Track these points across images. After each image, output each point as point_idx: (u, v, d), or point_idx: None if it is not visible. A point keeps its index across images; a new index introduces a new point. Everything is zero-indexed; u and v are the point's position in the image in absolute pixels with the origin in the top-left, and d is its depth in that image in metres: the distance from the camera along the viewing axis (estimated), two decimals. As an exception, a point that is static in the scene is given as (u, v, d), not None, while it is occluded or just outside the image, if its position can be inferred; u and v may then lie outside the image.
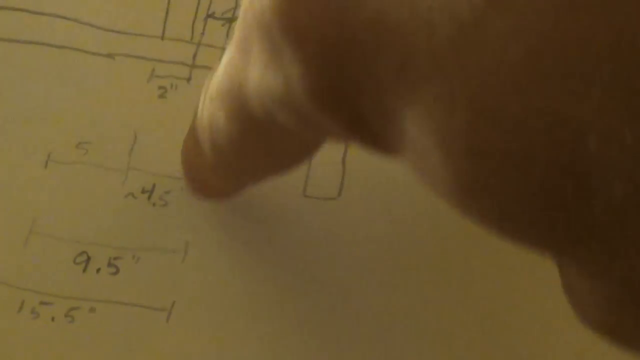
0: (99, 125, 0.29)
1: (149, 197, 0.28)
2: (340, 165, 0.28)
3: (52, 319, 0.27)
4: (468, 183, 0.14)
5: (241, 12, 0.18)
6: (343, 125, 0.16)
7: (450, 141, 0.14)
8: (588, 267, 0.15)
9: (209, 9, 0.31)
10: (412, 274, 0.28)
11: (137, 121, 0.29)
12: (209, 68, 0.28)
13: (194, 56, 0.30)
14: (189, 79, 0.30)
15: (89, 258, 0.27)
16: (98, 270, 0.27)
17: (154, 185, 0.28)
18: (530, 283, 0.27)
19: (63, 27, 0.30)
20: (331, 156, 0.28)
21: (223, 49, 0.28)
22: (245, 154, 0.22)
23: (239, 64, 0.19)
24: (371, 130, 0.16)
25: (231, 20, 0.31)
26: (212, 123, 0.22)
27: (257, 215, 0.28)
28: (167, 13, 0.31)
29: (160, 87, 0.30)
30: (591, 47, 0.12)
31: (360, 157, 0.28)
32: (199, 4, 0.31)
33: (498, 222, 0.15)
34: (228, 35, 0.30)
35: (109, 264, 0.27)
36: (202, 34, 0.30)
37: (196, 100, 0.27)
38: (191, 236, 0.28)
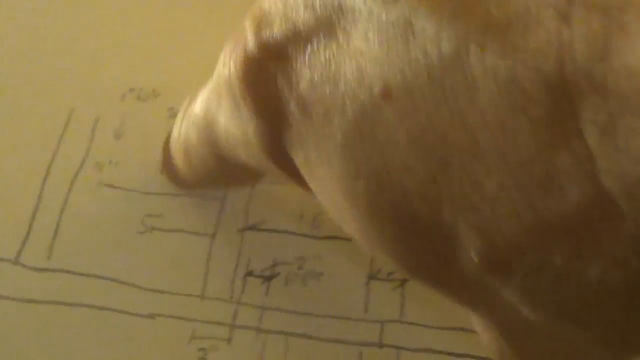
0: (138, 389, 0.29)
1: None
2: None
3: None
4: (366, 229, 0.18)
5: (218, 64, 0.21)
6: (284, 173, 0.21)
7: (352, 197, 0.18)
8: (470, 310, 0.19)
9: (247, 266, 0.31)
10: None
11: (178, 385, 0.29)
12: (250, 328, 0.28)
13: (234, 316, 0.30)
14: (229, 340, 0.30)
15: None
16: None
17: None
18: None
19: (104, 287, 0.31)
20: None
21: (263, 308, 0.29)
22: (209, 170, 0.27)
23: (212, 105, 0.23)
24: (301, 177, 0.20)
25: (270, 277, 0.31)
26: (186, 141, 0.26)
27: None
28: (206, 271, 0.31)
29: (200, 349, 0.29)
30: (448, 137, 0.16)
31: None
32: (237, 262, 0.31)
33: (393, 262, 0.18)
34: (268, 292, 0.30)
35: None
36: (242, 292, 0.30)
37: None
38: None
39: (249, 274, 0.31)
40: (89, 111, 0.34)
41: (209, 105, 0.23)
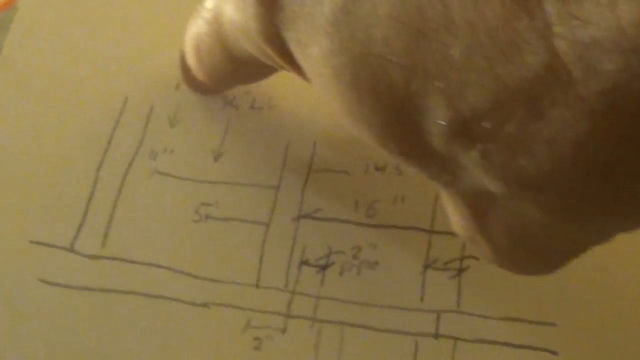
0: (193, 377, 0.29)
1: None
2: None
3: None
4: (351, 104, 0.19)
5: None
6: (279, 55, 0.22)
7: (338, 72, 0.19)
8: (445, 190, 0.21)
9: (302, 255, 0.31)
10: None
11: (233, 374, 0.29)
12: (305, 318, 0.28)
13: (289, 305, 0.30)
14: (284, 330, 0.29)
15: None
16: None
17: None
18: None
19: (159, 276, 0.31)
20: None
21: (317, 297, 0.28)
22: (220, 63, 0.28)
23: None
24: (294, 60, 0.21)
25: (325, 267, 0.30)
26: (198, 35, 0.27)
27: None
28: (261, 260, 0.31)
29: (255, 338, 0.29)
30: (425, 10, 0.17)
31: None
32: (292, 251, 0.31)
33: (373, 138, 0.20)
34: (323, 282, 0.30)
35: None
36: (297, 281, 0.30)
37: (292, 354, 0.27)
38: None
39: (304, 263, 0.31)
40: (144, 100, 0.34)
41: None
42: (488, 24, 0.16)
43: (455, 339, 0.29)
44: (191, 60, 0.30)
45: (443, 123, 0.18)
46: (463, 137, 0.18)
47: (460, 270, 0.30)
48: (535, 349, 0.29)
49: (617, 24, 0.15)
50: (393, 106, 0.19)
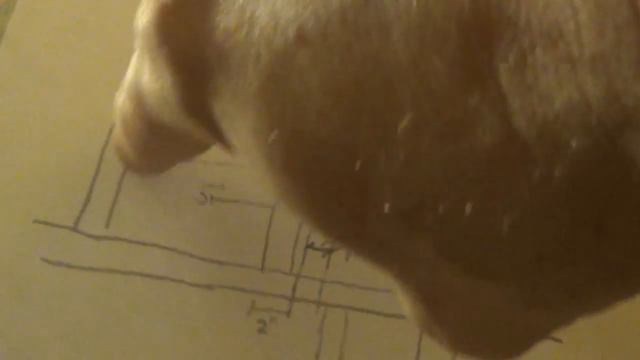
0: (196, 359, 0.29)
1: None
2: None
3: None
4: (283, 187, 0.18)
5: (135, 21, 0.20)
6: (202, 128, 0.20)
7: (268, 152, 0.17)
8: (386, 271, 0.19)
9: (308, 239, 0.31)
10: None
11: (236, 357, 0.28)
12: (309, 301, 0.28)
13: (294, 288, 0.30)
14: (288, 313, 0.29)
15: None
16: None
17: None
18: None
19: (163, 257, 0.30)
20: None
21: (322, 281, 0.28)
22: (147, 141, 0.26)
23: (138, 65, 0.22)
24: (222, 136, 0.19)
25: (331, 250, 0.30)
26: (122, 111, 0.25)
27: None
28: (266, 243, 0.31)
29: (259, 321, 0.29)
30: (361, 81, 0.15)
31: None
32: (298, 234, 0.31)
33: (311, 222, 0.18)
34: (328, 266, 0.30)
35: None
36: (302, 264, 0.30)
37: (297, 337, 0.26)
38: None
39: (310, 246, 0.30)
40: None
41: (136, 68, 0.23)
42: (434, 98, 0.14)
43: (461, 324, 0.29)
44: (121, 136, 0.27)
45: (387, 208, 0.16)
46: (413, 224, 0.16)
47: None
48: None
49: (582, 98, 0.13)
50: (332, 190, 0.17)
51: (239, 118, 0.18)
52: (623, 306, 0.28)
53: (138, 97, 0.23)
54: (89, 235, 0.31)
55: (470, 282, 0.17)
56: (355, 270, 0.30)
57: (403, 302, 0.20)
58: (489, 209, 0.15)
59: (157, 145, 0.26)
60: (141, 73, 0.22)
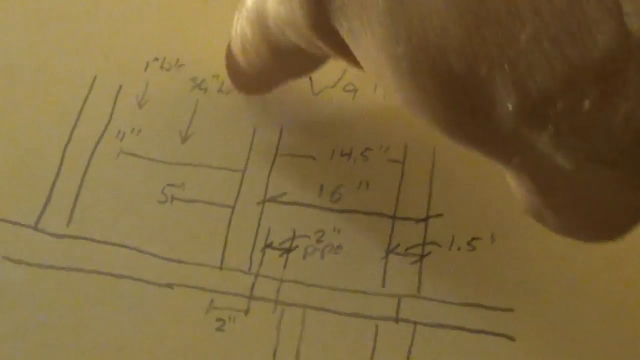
0: (154, 357, 0.29)
1: None
2: None
3: None
4: (409, 92, 0.19)
5: None
6: (329, 45, 0.21)
7: (395, 61, 0.19)
8: (504, 163, 0.20)
9: (267, 239, 0.31)
10: None
11: (193, 354, 0.29)
12: (267, 300, 0.28)
13: (252, 287, 0.30)
14: (246, 312, 0.30)
15: None
16: None
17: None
18: None
19: (123, 255, 0.31)
20: None
21: (280, 280, 0.29)
22: (266, 60, 0.27)
23: None
24: (347, 48, 0.21)
25: (289, 250, 0.31)
26: (243, 35, 0.27)
27: None
28: (225, 243, 0.31)
29: (218, 319, 0.30)
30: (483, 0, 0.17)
31: None
32: (257, 234, 0.31)
33: (433, 123, 0.19)
34: (286, 265, 0.30)
35: None
36: (260, 264, 0.31)
37: (254, 335, 0.27)
38: None
39: (268, 246, 0.31)
40: (112, 79, 0.34)
41: None
42: (554, 7, 0.16)
43: (415, 323, 0.29)
44: (240, 60, 0.29)
45: (511, 107, 0.17)
46: (533, 119, 0.18)
47: (422, 256, 0.31)
48: (493, 334, 0.29)
49: None
50: (456, 93, 0.18)
51: (366, 34, 0.19)
52: (576, 303, 0.29)
53: (260, 21, 0.25)
54: (50, 234, 0.31)
55: (586, 169, 0.18)
56: (313, 270, 0.30)
57: (515, 189, 0.22)
58: (604, 102, 0.16)
59: (278, 65, 0.27)
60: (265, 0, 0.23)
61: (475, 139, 0.19)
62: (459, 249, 0.31)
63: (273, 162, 0.32)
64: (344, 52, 0.21)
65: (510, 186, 0.22)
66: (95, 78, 0.34)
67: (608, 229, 0.22)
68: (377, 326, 0.30)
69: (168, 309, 0.30)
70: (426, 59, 0.18)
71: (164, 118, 0.33)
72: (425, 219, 0.31)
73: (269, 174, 0.32)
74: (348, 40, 0.20)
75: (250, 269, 0.31)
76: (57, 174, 0.32)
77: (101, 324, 0.29)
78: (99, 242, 0.31)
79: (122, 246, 0.31)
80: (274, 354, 0.29)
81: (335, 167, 0.32)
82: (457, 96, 0.18)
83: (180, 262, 0.31)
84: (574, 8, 0.16)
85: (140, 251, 0.31)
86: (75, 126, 0.33)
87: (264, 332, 0.29)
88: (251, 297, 0.30)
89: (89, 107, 0.34)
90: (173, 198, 0.32)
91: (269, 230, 0.31)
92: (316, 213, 0.31)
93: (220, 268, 0.31)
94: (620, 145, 0.17)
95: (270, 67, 0.28)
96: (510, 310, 0.30)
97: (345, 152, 0.33)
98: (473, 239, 0.31)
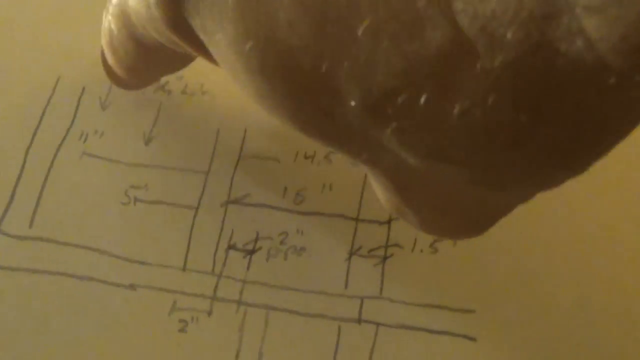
0: (117, 359, 0.29)
1: None
2: None
3: None
4: (262, 92, 0.19)
5: None
6: (186, 42, 0.21)
7: (246, 61, 0.19)
8: (368, 168, 0.21)
9: (230, 240, 0.31)
10: None
11: (156, 355, 0.29)
12: (230, 301, 0.29)
13: (215, 288, 0.30)
14: (209, 313, 0.30)
15: None
16: None
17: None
18: None
19: (86, 257, 0.31)
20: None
21: (244, 281, 0.29)
22: (134, 58, 0.27)
23: None
24: (202, 46, 0.21)
25: (252, 251, 0.31)
26: (110, 31, 0.27)
27: None
28: (188, 244, 0.31)
29: (181, 320, 0.30)
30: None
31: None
32: (220, 235, 0.31)
33: (289, 122, 0.20)
34: (249, 266, 0.31)
35: None
36: (224, 265, 0.31)
37: (217, 336, 0.27)
38: None
39: (231, 247, 0.31)
40: (75, 81, 0.34)
41: None
42: (390, 3, 0.16)
43: (377, 324, 0.30)
44: (108, 56, 0.29)
45: (354, 103, 0.18)
46: (376, 115, 0.18)
47: (384, 258, 0.31)
48: (455, 335, 0.30)
49: None
50: (304, 90, 0.19)
51: (217, 32, 0.19)
52: (536, 304, 0.29)
53: (124, 17, 0.25)
54: (12, 236, 0.31)
55: (431, 166, 0.19)
56: (276, 271, 0.31)
57: (376, 189, 0.22)
58: (440, 99, 0.17)
59: (144, 62, 0.27)
60: None
61: (324, 135, 0.20)
62: (421, 251, 0.31)
63: (237, 164, 0.32)
64: (203, 49, 0.21)
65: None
66: (58, 79, 0.34)
67: (468, 225, 0.22)
68: (339, 327, 0.30)
69: (131, 310, 0.30)
70: (274, 54, 0.18)
71: (127, 120, 0.33)
72: (388, 222, 0.32)
73: (233, 176, 0.32)
74: (203, 37, 0.21)
75: (213, 270, 0.31)
76: (20, 176, 0.32)
77: (63, 326, 0.29)
78: (61, 243, 0.31)
79: (85, 248, 0.31)
80: (237, 355, 0.29)
81: (299, 169, 0.32)
82: (305, 94, 0.19)
83: (143, 263, 0.31)
84: (408, 5, 0.16)
85: (103, 252, 0.31)
86: (37, 128, 0.33)
87: (227, 333, 0.29)
88: (214, 298, 0.30)
89: (52, 108, 0.33)
90: (136, 200, 0.32)
91: (232, 232, 0.31)
92: (280, 215, 0.32)
93: (184, 269, 0.31)
94: (457, 142, 0.17)
95: (138, 63, 0.28)
96: (472, 311, 0.30)
97: (309, 154, 0.33)
98: (435, 241, 0.31)
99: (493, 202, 0.21)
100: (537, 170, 0.19)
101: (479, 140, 0.17)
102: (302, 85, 0.19)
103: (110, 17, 0.26)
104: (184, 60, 0.28)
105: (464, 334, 0.30)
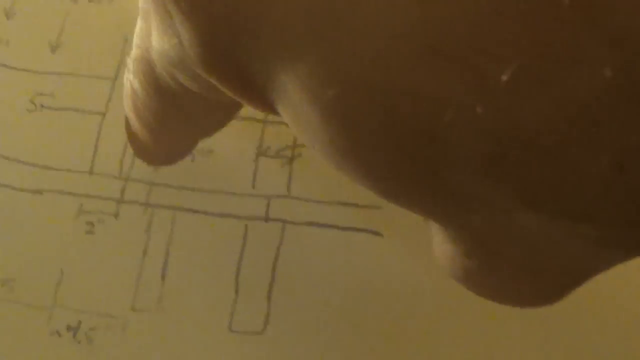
0: (24, 262, 0.29)
1: (75, 335, 0.28)
2: (265, 300, 0.28)
3: None
4: (342, 146, 0.15)
5: None
6: (232, 88, 0.17)
7: (324, 108, 0.15)
8: (447, 223, 0.17)
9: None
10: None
11: (64, 257, 0.29)
12: (138, 203, 0.29)
13: (122, 191, 0.30)
14: (116, 215, 0.30)
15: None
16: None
17: (79, 322, 0.28)
18: None
19: (-9, 163, 0.31)
20: (256, 291, 0.28)
21: (151, 184, 0.29)
22: (163, 119, 0.23)
23: (143, 32, 0.20)
24: (257, 91, 0.16)
25: (159, 155, 0.31)
26: (132, 91, 0.23)
27: (181, 350, 0.28)
28: (95, 149, 0.31)
29: (87, 223, 0.30)
30: (450, 30, 0.13)
31: (285, 290, 0.28)
32: (127, 140, 0.31)
33: (368, 180, 0.16)
34: (156, 168, 0.31)
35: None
36: (131, 168, 0.31)
37: (124, 237, 0.27)
38: (115, 374, 0.27)
39: (139, 151, 0.31)
40: (-22, -11, 0.34)
41: (140, 39, 0.20)
42: (539, 36, 0.13)
43: (284, 222, 0.30)
44: (133, 122, 0.25)
45: (478, 159, 0.14)
46: (494, 172, 0.15)
47: (292, 158, 0.31)
48: (361, 230, 0.30)
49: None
50: (403, 144, 0.15)
51: (283, 71, 0.15)
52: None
53: (148, 70, 0.21)
54: None
55: (554, 225, 0.15)
56: (184, 173, 0.31)
57: (442, 246, 0.18)
58: (594, 152, 0.14)
59: (175, 122, 0.23)
60: (148, 41, 0.19)
61: (416, 196, 0.16)
62: (330, 151, 0.31)
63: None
64: (257, 96, 0.17)
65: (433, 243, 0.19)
66: (-38, -10, 0.34)
67: (549, 291, 0.18)
68: (246, 226, 0.30)
69: (37, 215, 0.30)
70: (366, 103, 0.14)
71: (33, 28, 0.33)
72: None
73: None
74: (257, 80, 0.16)
75: (120, 173, 0.31)
76: None
77: (-32, 231, 0.29)
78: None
79: (-11, 153, 0.31)
80: (144, 256, 0.29)
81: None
82: (403, 147, 0.15)
83: (49, 168, 0.31)
84: (565, 35, 0.13)
85: (8, 158, 0.31)
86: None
87: (134, 235, 0.30)
88: (121, 201, 0.30)
89: (-41, 20, 0.33)
90: (42, 107, 0.32)
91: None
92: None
93: (90, 173, 0.31)
94: (603, 198, 0.14)
95: (169, 124, 0.24)
96: (378, 207, 0.30)
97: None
98: None
99: (590, 264, 0.17)
100: None
101: (634, 198, 0.14)
102: (403, 139, 0.15)
103: (131, 77, 0.22)
104: (227, 113, 0.23)
105: (370, 229, 0.30)
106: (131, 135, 0.26)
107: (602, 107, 0.13)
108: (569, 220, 0.15)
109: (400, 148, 0.15)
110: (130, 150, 0.31)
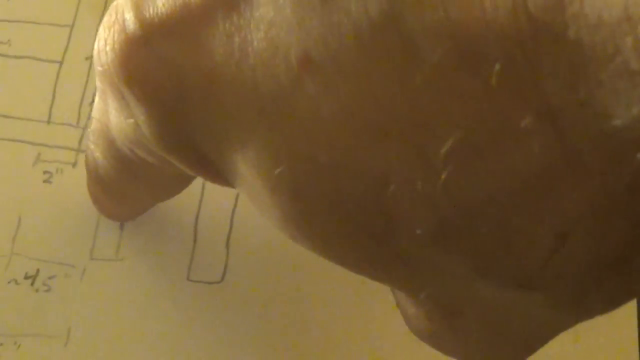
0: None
1: (32, 283, 0.28)
2: (224, 248, 0.29)
3: None
4: (294, 220, 0.16)
5: (94, 60, 0.19)
6: (187, 164, 0.18)
7: (274, 186, 0.16)
8: (404, 289, 0.18)
9: (95, 93, 0.31)
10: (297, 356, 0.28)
11: (22, 206, 0.29)
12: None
13: (80, 141, 0.30)
14: (74, 164, 0.30)
15: (-32, 346, 0.27)
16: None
17: (37, 271, 0.28)
18: None
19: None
20: (215, 240, 0.29)
21: (109, 133, 0.29)
22: (123, 185, 0.24)
23: (102, 108, 0.21)
24: (212, 168, 0.17)
25: (118, 104, 0.31)
26: (93, 160, 0.24)
27: (139, 300, 0.28)
28: (53, 97, 0.31)
29: (45, 172, 0.30)
30: (390, 108, 0.14)
31: (244, 240, 0.29)
32: (85, 88, 0.31)
33: (323, 250, 0.17)
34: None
35: (-11, 352, 0.27)
36: (89, 118, 0.31)
37: (82, 186, 0.27)
38: (74, 322, 0.27)
39: (97, 100, 0.31)
40: None
41: (99, 114, 0.21)
42: (474, 118, 0.14)
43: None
44: (95, 189, 0.27)
45: (420, 231, 0.15)
46: (446, 243, 0.15)
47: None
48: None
49: None
50: (352, 217, 0.15)
51: (234, 152, 0.16)
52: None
53: (107, 143, 0.22)
54: None
55: (509, 295, 0.16)
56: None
57: (409, 311, 0.19)
58: (536, 222, 0.14)
59: (135, 188, 0.25)
60: (107, 115, 0.20)
61: (371, 266, 0.17)
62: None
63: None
64: (209, 171, 0.18)
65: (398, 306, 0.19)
66: None
67: (514, 349, 0.19)
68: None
69: (-6, 164, 0.30)
70: (313, 179, 0.15)
71: (-12, -25, 0.32)
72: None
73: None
74: (211, 158, 0.17)
75: (78, 122, 0.30)
76: None
77: None
78: None
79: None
80: (102, 204, 0.29)
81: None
82: (353, 220, 0.15)
83: (5, 116, 0.30)
84: (499, 117, 0.13)
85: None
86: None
87: (92, 183, 0.29)
88: (79, 150, 0.30)
89: None
90: (-1, 55, 0.31)
91: (96, 86, 0.31)
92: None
93: (48, 122, 0.30)
94: (551, 269, 0.15)
95: (129, 190, 0.25)
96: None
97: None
98: None
99: (557, 325, 0.18)
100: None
101: (583, 263, 0.15)
102: (351, 213, 0.15)
103: (92, 146, 0.23)
104: (187, 179, 0.24)
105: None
106: (94, 197, 0.27)
107: (540, 179, 0.14)
108: (519, 288, 0.16)
109: (350, 220, 0.15)
110: (88, 99, 0.31)
